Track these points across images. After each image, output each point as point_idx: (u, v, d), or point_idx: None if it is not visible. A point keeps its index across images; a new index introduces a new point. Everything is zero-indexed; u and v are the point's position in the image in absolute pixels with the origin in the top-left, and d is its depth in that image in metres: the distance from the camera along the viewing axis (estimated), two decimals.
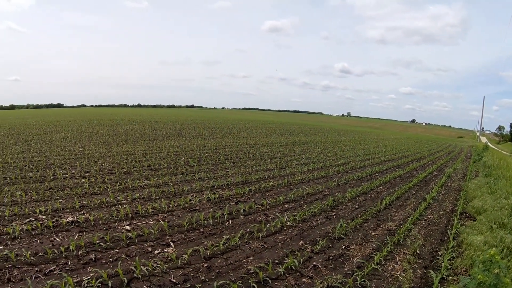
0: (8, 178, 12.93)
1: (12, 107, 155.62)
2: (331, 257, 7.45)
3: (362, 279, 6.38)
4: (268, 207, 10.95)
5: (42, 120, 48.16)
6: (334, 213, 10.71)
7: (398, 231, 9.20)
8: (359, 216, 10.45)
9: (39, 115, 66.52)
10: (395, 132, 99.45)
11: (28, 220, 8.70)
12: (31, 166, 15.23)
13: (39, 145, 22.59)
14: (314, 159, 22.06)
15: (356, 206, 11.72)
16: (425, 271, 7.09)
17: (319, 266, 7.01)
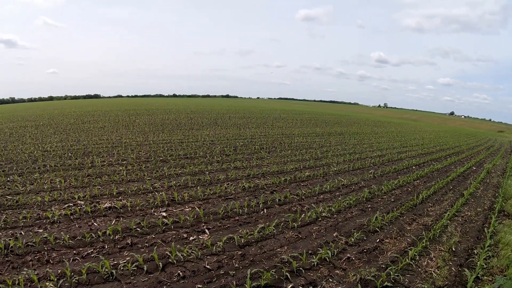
0: (48, 166, 13.54)
1: (51, 98, 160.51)
2: (365, 250, 7.39)
3: (396, 274, 6.30)
4: (303, 197, 10.95)
5: (80, 110, 49.86)
6: (369, 206, 10.58)
7: (434, 226, 8.99)
8: (395, 209, 10.27)
9: (77, 105, 68.75)
10: (433, 124, 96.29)
11: (67, 205, 9.11)
12: (70, 154, 15.87)
13: (77, 134, 23.50)
14: (350, 150, 21.82)
15: (392, 199, 11.52)
16: (459, 269, 6.89)
17: (353, 258, 6.97)
